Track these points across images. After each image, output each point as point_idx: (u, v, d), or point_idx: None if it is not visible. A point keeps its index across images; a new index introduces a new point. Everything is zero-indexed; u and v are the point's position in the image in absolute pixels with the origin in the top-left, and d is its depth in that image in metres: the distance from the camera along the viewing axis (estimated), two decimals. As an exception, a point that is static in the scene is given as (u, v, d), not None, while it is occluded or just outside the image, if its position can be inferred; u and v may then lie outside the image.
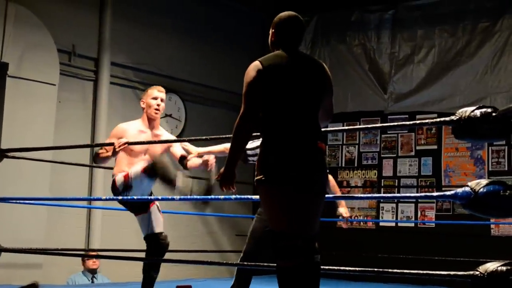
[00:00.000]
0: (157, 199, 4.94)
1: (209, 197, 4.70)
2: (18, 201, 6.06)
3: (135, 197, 4.85)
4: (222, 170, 3.51)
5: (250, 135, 3.51)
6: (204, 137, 5.08)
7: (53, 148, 6.66)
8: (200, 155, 5.15)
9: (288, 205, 3.34)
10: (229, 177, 3.49)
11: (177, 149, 5.31)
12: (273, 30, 3.68)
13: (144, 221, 5.05)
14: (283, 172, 3.34)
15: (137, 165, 4.89)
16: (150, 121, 5.19)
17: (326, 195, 3.61)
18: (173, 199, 4.79)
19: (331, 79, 3.65)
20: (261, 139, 3.52)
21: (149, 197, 4.96)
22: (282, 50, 3.59)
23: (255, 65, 3.49)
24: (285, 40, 3.64)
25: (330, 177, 5.41)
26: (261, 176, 3.37)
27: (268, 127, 3.46)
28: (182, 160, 5.26)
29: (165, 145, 5.26)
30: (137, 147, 5.03)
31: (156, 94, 5.24)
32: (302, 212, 3.38)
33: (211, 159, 5.02)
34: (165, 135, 5.34)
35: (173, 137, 5.42)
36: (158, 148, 5.18)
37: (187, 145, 5.28)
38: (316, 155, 3.44)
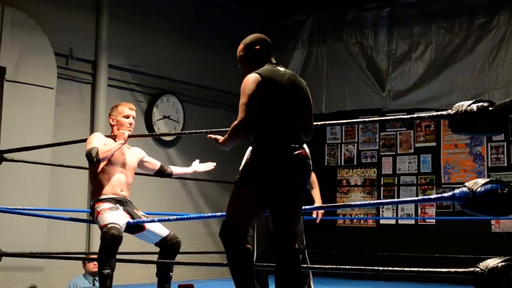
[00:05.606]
0: (153, 221, 4.99)
1: (204, 215, 4.84)
2: (17, 212, 6.03)
3: (131, 221, 4.89)
4: (221, 139, 3.86)
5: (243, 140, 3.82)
6: (204, 130, 5.11)
7: (51, 146, 6.66)
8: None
9: (248, 204, 3.70)
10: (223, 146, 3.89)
11: (152, 160, 5.44)
12: (258, 47, 3.96)
13: (145, 236, 5.04)
14: (252, 176, 3.67)
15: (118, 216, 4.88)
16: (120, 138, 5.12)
17: (324, 205, 3.94)
18: (169, 220, 4.93)
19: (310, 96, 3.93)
20: None
21: (144, 220, 4.98)
22: (269, 65, 3.84)
23: (255, 77, 3.69)
24: (269, 56, 3.93)
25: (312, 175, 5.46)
26: (237, 176, 3.74)
27: (257, 134, 3.72)
28: (162, 169, 5.43)
29: (140, 158, 5.33)
30: (114, 161, 5.04)
31: (128, 112, 5.21)
32: (255, 211, 3.76)
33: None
34: (137, 150, 5.39)
35: (144, 153, 5.45)
36: (134, 162, 5.24)
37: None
38: (287, 161, 3.67)
